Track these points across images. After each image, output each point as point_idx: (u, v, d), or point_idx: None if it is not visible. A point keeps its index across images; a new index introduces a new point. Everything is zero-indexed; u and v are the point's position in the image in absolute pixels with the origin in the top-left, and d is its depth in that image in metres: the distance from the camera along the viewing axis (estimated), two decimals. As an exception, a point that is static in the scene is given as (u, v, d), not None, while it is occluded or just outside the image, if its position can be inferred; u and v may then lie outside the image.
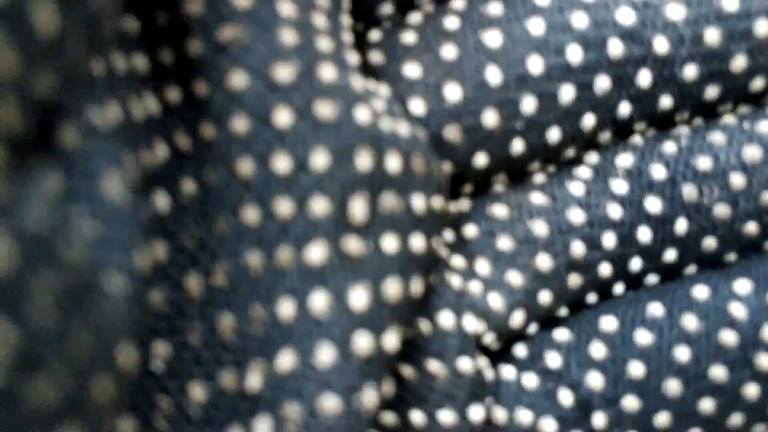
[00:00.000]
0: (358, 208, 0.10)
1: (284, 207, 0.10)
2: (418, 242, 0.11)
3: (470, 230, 0.12)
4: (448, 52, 0.12)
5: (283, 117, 0.10)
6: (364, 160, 0.10)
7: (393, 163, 0.11)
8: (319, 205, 0.10)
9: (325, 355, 0.10)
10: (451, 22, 0.12)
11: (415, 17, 0.13)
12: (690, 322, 0.12)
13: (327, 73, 0.10)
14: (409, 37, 0.12)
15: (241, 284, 0.10)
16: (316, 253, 0.10)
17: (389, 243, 0.11)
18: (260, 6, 0.10)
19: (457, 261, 0.12)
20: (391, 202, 0.11)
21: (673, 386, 0.12)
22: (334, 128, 0.10)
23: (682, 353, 0.12)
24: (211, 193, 0.10)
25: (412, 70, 0.12)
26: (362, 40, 0.13)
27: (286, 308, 0.10)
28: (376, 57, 0.12)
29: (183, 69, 0.10)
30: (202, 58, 0.10)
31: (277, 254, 0.10)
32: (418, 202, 0.11)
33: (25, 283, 0.06)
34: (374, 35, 0.13)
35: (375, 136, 0.10)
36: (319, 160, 0.10)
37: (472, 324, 0.12)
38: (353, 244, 0.10)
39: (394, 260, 0.10)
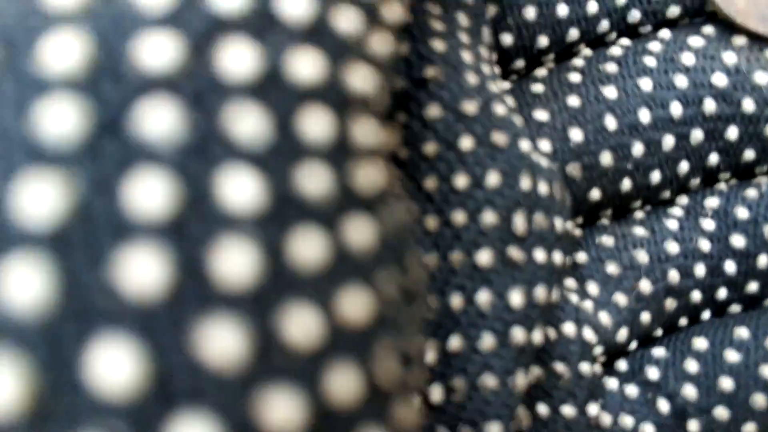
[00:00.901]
0: (520, 222, 0.12)
1: (459, 217, 0.12)
2: (558, 257, 0.13)
3: (581, 256, 0.14)
4: (573, 101, 0.15)
5: (466, 142, 0.12)
6: (525, 182, 0.12)
7: (543, 187, 0.13)
8: (489, 217, 0.12)
9: (488, 342, 0.12)
10: (574, 77, 0.15)
11: (541, 72, 0.15)
12: None
13: (499, 109, 0.12)
14: (538, 87, 0.15)
15: None
16: (485, 257, 0.12)
17: (540, 255, 0.12)
18: (451, 52, 0.12)
19: (571, 283, 0.14)
20: (541, 221, 0.13)
21: (759, 400, 0.14)
22: (505, 154, 0.12)
23: None
24: None
25: (541, 114, 0.14)
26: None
27: (456, 301, 0.12)
28: (509, 102, 0.15)
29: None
30: (405, 92, 0.12)
31: (451, 256, 0.12)
32: (558, 223, 0.13)
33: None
34: (506, 85, 0.15)
35: (531, 163, 0.13)
36: (493, 179, 0.12)
37: (588, 335, 0.14)
38: (515, 252, 0.12)
39: (544, 270, 0.12)
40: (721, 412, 0.14)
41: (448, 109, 0.12)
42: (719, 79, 0.15)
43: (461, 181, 0.12)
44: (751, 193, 0.15)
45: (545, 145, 0.14)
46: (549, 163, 0.13)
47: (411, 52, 0.12)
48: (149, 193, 0.06)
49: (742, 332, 0.14)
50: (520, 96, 0.15)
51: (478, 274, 0.12)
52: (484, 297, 0.12)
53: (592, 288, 0.14)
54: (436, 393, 0.11)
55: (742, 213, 0.15)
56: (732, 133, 0.15)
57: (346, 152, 0.07)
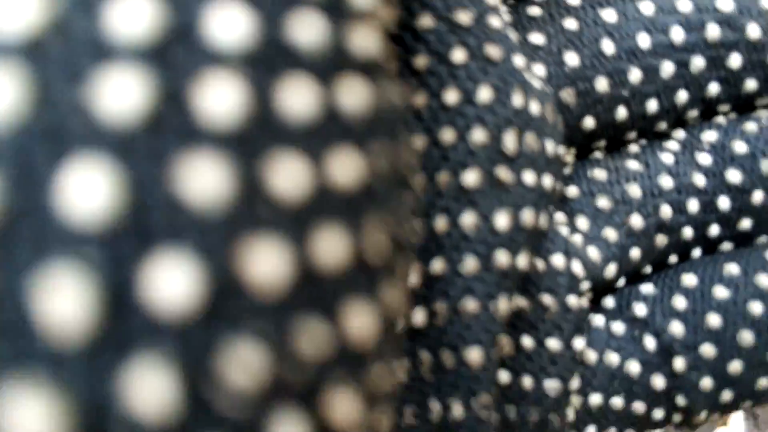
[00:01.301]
0: (511, 141, 0.11)
1: (448, 135, 0.11)
2: (548, 181, 0.12)
3: (572, 190, 0.14)
4: (570, 23, 0.14)
5: (459, 55, 0.11)
6: (518, 100, 0.12)
7: (535, 107, 0.12)
8: (479, 135, 0.11)
9: (470, 265, 0.11)
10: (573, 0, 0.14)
11: None
12: (764, 280, 0.14)
13: (494, 21, 0.12)
14: (534, 10, 0.14)
15: None
16: (471, 177, 0.11)
17: (529, 177, 0.12)
18: None
19: (560, 217, 0.14)
20: (532, 141, 0.12)
21: (747, 337, 0.13)
22: (498, 68, 0.11)
23: (756, 308, 0.13)
24: None
25: (537, 38, 0.14)
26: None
27: (440, 223, 0.11)
28: (505, 16, 0.14)
29: None
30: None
31: (437, 177, 0.11)
32: (550, 146, 0.12)
33: None
34: (502, 8, 0.14)
35: (524, 80, 0.12)
36: (484, 94, 0.11)
37: (577, 268, 0.13)
38: (504, 173, 0.11)
39: (532, 192, 0.12)
40: (708, 349, 0.13)
41: (440, 19, 0.11)
42: (725, 3, 0.14)
43: (452, 96, 0.11)
44: (750, 126, 0.14)
45: (540, 69, 0.14)
46: (543, 85, 0.13)
47: None
48: (133, 14, 0.06)
49: (732, 269, 0.14)
50: (516, 18, 0.14)
51: (464, 196, 0.11)
52: (468, 219, 0.11)
53: (582, 222, 0.14)
54: (419, 316, 0.11)
55: (739, 147, 0.14)
56: (735, 60, 0.14)
57: (344, 9, 0.06)
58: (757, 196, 0.14)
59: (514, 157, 0.12)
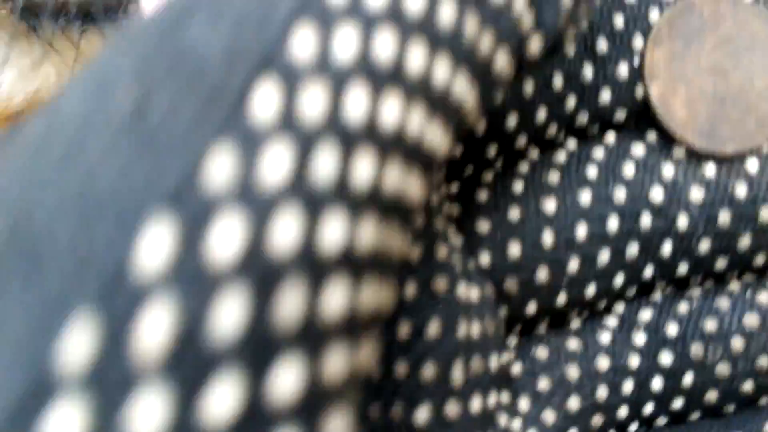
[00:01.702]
0: (458, 373, 0.11)
1: (401, 369, 0.11)
2: (492, 399, 0.12)
3: (516, 368, 0.14)
4: (513, 213, 0.14)
5: (410, 290, 0.11)
6: (462, 329, 0.12)
7: (476, 329, 0.12)
8: (430, 371, 0.11)
9: None
10: (518, 186, 0.14)
11: (488, 176, 0.14)
12: None
13: (441, 251, 0.12)
14: (482, 196, 0.14)
15: None
16: (422, 414, 0.11)
17: (475, 403, 0.12)
18: None
19: (505, 397, 0.14)
20: (477, 365, 0.12)
21: None
22: (444, 300, 0.11)
23: None
24: None
25: (483, 226, 0.14)
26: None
27: None
28: (453, 210, 0.14)
29: None
30: None
31: (391, 411, 0.11)
32: (494, 361, 0.13)
33: None
34: (454, 188, 0.14)
35: (467, 306, 0.12)
36: (433, 329, 0.11)
37: None
38: (452, 408, 0.11)
39: (477, 420, 0.12)
40: None
41: None
42: (656, 194, 0.14)
43: (403, 330, 0.11)
44: (683, 308, 0.15)
45: (485, 258, 0.14)
46: (480, 292, 0.13)
47: None
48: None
49: None
50: (466, 203, 0.14)
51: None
52: None
53: (523, 404, 0.14)
54: None
55: (671, 329, 0.15)
56: (666, 248, 0.15)
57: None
58: (688, 378, 0.15)
59: (461, 387, 0.12)
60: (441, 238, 0.12)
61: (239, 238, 0.06)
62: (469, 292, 0.13)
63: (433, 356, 0.11)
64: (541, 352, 0.14)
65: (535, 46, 0.11)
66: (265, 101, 0.07)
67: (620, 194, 0.14)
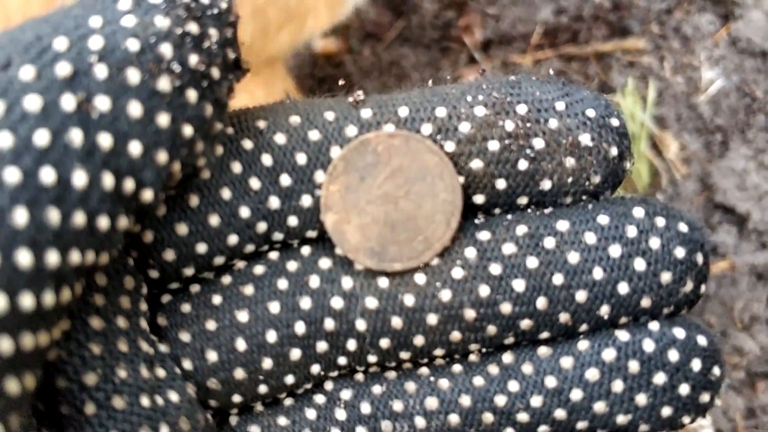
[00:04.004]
0: None
1: None
2: None
3: None
4: (210, 324, 0.18)
5: (89, 408, 0.16)
6: None
7: (164, 428, 0.17)
8: None
9: None
10: (216, 299, 0.18)
11: (195, 287, 0.18)
12: None
13: (122, 372, 0.16)
14: (186, 307, 0.18)
15: None
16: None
17: None
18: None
19: None
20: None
21: None
22: (124, 414, 0.16)
23: None
24: None
25: (185, 336, 0.18)
26: (156, 300, 0.18)
27: None
28: (161, 320, 0.18)
29: None
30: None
31: None
32: None
33: None
34: (165, 298, 0.18)
35: (151, 415, 0.16)
36: None
37: None
38: None
39: None
40: None
41: (72, 381, 0.16)
42: (336, 302, 0.18)
43: None
44: (376, 389, 0.19)
45: (187, 363, 0.18)
46: (179, 396, 0.17)
47: None
48: None
49: None
50: (172, 315, 0.18)
51: None
52: None
53: None
54: None
55: (365, 408, 0.19)
56: (351, 344, 0.19)
57: None
58: None
59: None
60: (125, 359, 0.16)
61: None
62: (156, 401, 0.17)
63: None
64: (254, 429, 0.19)
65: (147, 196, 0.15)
66: None
67: (306, 302, 0.18)
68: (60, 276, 0.13)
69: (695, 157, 0.94)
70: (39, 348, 0.13)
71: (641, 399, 0.18)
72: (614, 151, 0.18)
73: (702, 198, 0.93)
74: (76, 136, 0.13)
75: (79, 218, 0.13)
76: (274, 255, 0.19)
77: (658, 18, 1.00)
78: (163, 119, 0.15)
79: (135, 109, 0.14)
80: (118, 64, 0.14)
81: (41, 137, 0.13)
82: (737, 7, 0.98)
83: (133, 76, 0.14)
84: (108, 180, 0.14)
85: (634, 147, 0.91)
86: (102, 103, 0.14)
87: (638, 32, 0.99)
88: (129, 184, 0.14)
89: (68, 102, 0.13)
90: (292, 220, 0.18)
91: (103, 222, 0.14)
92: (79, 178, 0.13)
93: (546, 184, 0.18)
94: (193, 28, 0.15)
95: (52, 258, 0.13)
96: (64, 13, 0.15)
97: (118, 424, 0.16)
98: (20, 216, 0.12)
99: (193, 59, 0.15)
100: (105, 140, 0.14)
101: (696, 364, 0.18)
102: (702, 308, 0.89)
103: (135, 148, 0.14)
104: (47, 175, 0.13)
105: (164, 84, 0.15)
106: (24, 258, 0.12)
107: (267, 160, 0.18)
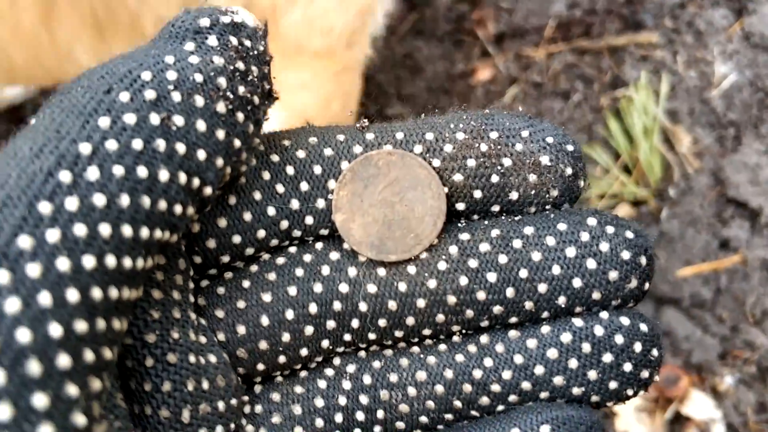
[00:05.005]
0: (186, 413, 0.21)
1: (147, 410, 0.21)
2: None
3: (258, 407, 0.23)
4: (240, 304, 0.23)
5: (149, 361, 0.21)
6: (191, 385, 0.21)
7: (206, 384, 0.21)
8: (165, 413, 0.21)
9: None
10: (245, 283, 0.23)
11: (228, 274, 0.23)
12: None
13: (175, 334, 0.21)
14: (221, 290, 0.23)
15: None
16: None
17: None
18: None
19: (249, 428, 0.23)
20: (205, 408, 0.21)
21: None
22: (176, 367, 0.21)
23: None
24: None
25: (219, 313, 0.23)
26: (197, 285, 0.23)
27: None
28: (201, 300, 0.23)
29: None
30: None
31: None
32: (222, 405, 0.22)
33: None
34: (203, 283, 0.23)
35: (197, 369, 0.21)
36: (166, 386, 0.21)
37: None
38: None
39: None
40: None
41: (135, 339, 0.20)
42: (343, 287, 0.23)
43: (147, 386, 0.20)
44: (376, 364, 0.23)
45: (221, 335, 0.23)
46: (215, 357, 0.22)
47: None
48: None
49: None
50: (209, 296, 0.23)
51: None
52: None
53: None
54: None
55: (366, 379, 0.23)
56: (355, 323, 0.23)
57: None
58: (380, 414, 0.23)
59: (189, 424, 0.21)
60: (177, 324, 0.21)
61: None
62: (200, 360, 0.22)
63: (165, 403, 0.21)
64: (275, 396, 0.24)
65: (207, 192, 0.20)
66: None
67: (318, 287, 0.23)
68: (148, 247, 0.18)
69: (708, 152, 0.97)
70: (131, 300, 0.18)
71: (592, 374, 0.22)
72: (569, 171, 0.22)
73: (714, 192, 0.96)
74: (161, 144, 0.18)
75: (162, 204, 0.18)
76: (292, 249, 0.23)
77: (672, 12, 1.03)
78: (221, 134, 0.20)
79: (201, 125, 0.19)
80: (188, 91, 0.19)
81: (137, 143, 0.18)
82: (750, 2, 1.01)
83: (199, 101, 0.19)
84: (182, 177, 0.19)
85: (647, 141, 0.95)
86: (178, 120, 0.19)
87: (651, 26, 1.02)
88: (196, 182, 0.19)
89: (155, 118, 0.18)
90: (309, 219, 0.23)
91: (177, 208, 0.19)
92: (163, 175, 0.18)
93: (514, 195, 0.22)
94: (240, 65, 0.20)
95: (144, 232, 0.18)
96: (145, 52, 0.20)
97: (170, 375, 0.21)
98: (125, 200, 0.17)
99: (241, 89, 0.20)
100: (180, 148, 0.19)
101: (638, 347, 0.22)
102: (714, 302, 0.92)
103: (201, 154, 0.19)
104: (142, 171, 0.18)
105: (221, 107, 0.20)
106: (126, 230, 0.17)
107: (290, 170, 0.22)
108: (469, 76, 1.01)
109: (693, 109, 1.00)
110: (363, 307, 0.23)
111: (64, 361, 0.16)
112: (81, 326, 0.16)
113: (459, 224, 0.23)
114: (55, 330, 0.16)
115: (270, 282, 0.23)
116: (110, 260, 0.17)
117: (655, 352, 0.22)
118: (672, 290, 0.92)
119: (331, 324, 0.23)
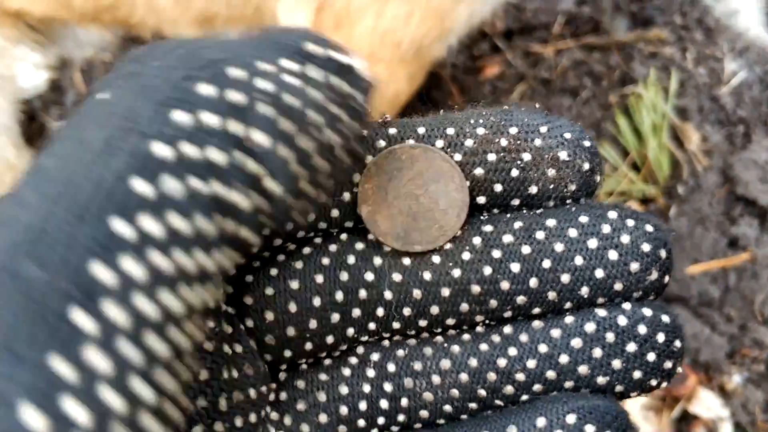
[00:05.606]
0: (223, 401, 0.22)
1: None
2: (253, 418, 0.23)
3: (283, 395, 0.25)
4: (269, 291, 0.24)
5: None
6: (225, 373, 0.22)
7: (234, 373, 0.23)
8: (202, 402, 0.22)
9: None
10: (273, 271, 0.24)
11: (255, 263, 0.24)
12: None
13: None
14: (249, 278, 0.24)
15: None
16: (197, 430, 0.22)
17: (238, 421, 0.23)
18: None
19: (274, 415, 0.24)
20: (239, 395, 0.23)
21: None
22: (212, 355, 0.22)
23: None
24: None
25: (248, 300, 0.24)
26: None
27: None
28: (228, 288, 0.24)
29: None
30: None
31: None
32: (252, 392, 0.23)
33: None
34: (249, 278, 0.24)
35: (231, 357, 0.23)
36: (203, 374, 0.22)
37: None
38: (218, 425, 0.22)
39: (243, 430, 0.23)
40: None
41: None
42: (369, 276, 0.24)
43: None
44: (400, 352, 0.25)
45: (250, 322, 0.24)
46: (241, 346, 0.23)
47: None
48: None
49: None
50: (238, 283, 0.24)
51: None
52: None
53: (287, 419, 0.24)
54: None
55: (391, 367, 0.25)
56: (380, 311, 0.24)
57: None
58: (404, 402, 0.25)
59: (226, 411, 0.22)
60: (212, 313, 0.22)
61: None
62: (232, 347, 0.23)
63: (202, 392, 0.22)
64: (300, 383, 0.25)
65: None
66: None
67: (344, 276, 0.24)
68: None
69: (717, 149, 0.99)
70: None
71: (617, 363, 0.23)
72: (587, 166, 0.24)
73: (723, 190, 0.98)
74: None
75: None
76: (318, 240, 0.25)
77: (681, 9, 1.04)
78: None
79: (283, 151, 0.19)
80: (282, 112, 0.19)
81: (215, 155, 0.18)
82: None
83: (287, 126, 0.19)
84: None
85: (656, 138, 0.96)
86: (261, 139, 0.18)
87: (661, 23, 1.03)
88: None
89: (236, 127, 0.18)
90: (335, 212, 0.24)
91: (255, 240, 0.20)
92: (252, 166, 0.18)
93: (533, 189, 0.24)
94: (334, 109, 0.20)
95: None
96: (230, 46, 0.19)
97: (206, 364, 0.22)
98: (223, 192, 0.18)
99: (331, 137, 0.20)
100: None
101: (661, 337, 0.23)
102: (722, 301, 0.93)
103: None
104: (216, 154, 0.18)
105: (305, 143, 0.20)
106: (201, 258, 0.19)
107: None
108: (478, 73, 1.03)
109: (702, 106, 1.01)
110: (388, 295, 0.24)
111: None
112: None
113: (482, 217, 0.24)
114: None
115: (297, 270, 0.24)
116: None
117: (677, 343, 0.24)
118: (680, 288, 0.93)
119: (356, 312, 0.24)
